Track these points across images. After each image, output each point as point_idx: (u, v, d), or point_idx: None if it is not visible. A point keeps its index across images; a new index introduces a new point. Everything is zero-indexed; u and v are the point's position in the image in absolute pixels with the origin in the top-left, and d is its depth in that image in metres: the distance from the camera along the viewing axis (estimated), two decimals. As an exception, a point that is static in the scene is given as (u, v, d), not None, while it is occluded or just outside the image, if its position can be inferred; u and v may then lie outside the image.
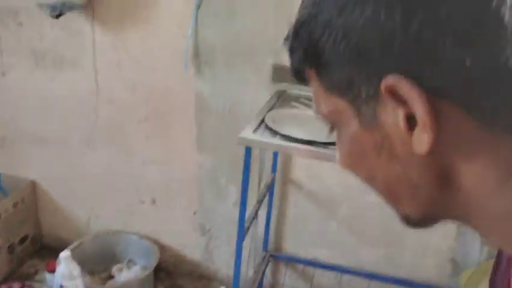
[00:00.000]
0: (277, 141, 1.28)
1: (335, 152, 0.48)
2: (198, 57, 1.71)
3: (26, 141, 2.02)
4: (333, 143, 1.18)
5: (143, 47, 1.75)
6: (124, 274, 1.95)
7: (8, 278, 1.97)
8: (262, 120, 1.37)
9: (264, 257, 1.89)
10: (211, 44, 1.68)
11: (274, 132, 1.30)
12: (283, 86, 1.66)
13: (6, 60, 1.89)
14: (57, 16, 1.63)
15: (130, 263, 2.03)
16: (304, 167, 1.79)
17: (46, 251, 2.13)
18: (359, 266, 1.85)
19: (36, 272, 2.03)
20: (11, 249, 1.99)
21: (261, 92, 1.68)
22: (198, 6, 1.63)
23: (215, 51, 1.69)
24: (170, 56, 1.73)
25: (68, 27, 1.78)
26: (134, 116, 1.87)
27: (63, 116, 1.94)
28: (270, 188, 1.78)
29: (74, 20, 1.75)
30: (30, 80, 1.90)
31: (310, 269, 1.93)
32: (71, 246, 1.86)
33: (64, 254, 1.62)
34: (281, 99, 1.59)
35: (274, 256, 1.93)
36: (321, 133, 1.17)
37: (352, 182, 0.60)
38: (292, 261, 1.94)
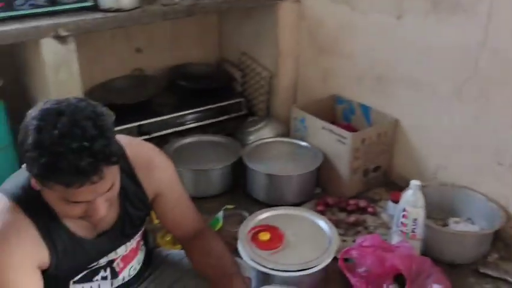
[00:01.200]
0: None
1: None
2: None
3: (399, 81, 2.19)
4: None
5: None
6: (460, 227, 1.95)
7: (357, 196, 2.24)
8: None
9: None
10: None
11: None
12: None
13: (406, 3, 2.06)
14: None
15: (468, 221, 2.01)
16: None
17: (391, 185, 2.31)
18: None
19: (380, 199, 2.24)
20: (365, 173, 2.25)
21: None
22: None
23: None
24: None
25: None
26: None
27: (439, 61, 2.00)
28: None
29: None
30: (422, 24, 2.02)
31: None
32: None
33: (415, 182, 1.73)
34: None
35: None
36: None
37: None
38: None
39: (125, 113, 2.46)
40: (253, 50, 2.79)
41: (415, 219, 1.73)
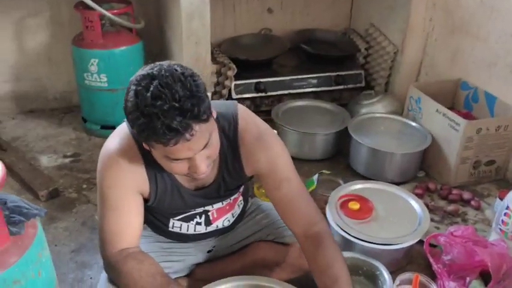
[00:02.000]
0: None
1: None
2: None
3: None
4: None
5: None
6: None
7: (462, 187, 2.14)
8: None
9: None
10: None
11: None
12: None
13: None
14: None
15: None
16: None
17: (504, 183, 2.17)
18: None
19: (487, 195, 2.12)
20: (476, 165, 2.13)
21: None
22: None
23: None
24: None
25: None
26: None
27: None
28: None
29: None
30: None
31: None
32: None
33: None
34: None
35: None
36: None
37: None
38: None
39: (247, 69, 2.60)
40: (382, 23, 2.73)
41: (517, 220, 1.63)
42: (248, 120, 1.29)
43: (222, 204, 1.41)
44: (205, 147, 1.10)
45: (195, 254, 1.51)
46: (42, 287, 1.28)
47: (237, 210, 1.49)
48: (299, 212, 1.31)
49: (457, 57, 2.38)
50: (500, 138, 2.09)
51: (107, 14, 2.26)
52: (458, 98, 2.37)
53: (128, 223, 1.26)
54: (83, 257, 1.78)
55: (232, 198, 1.42)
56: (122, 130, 1.26)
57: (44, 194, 2.06)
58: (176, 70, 1.05)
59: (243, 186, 1.44)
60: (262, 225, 1.54)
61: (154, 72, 1.04)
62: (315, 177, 2.00)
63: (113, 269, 1.27)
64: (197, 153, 1.10)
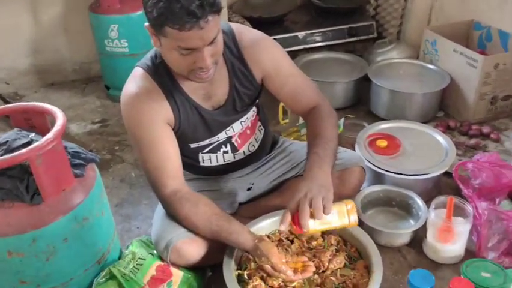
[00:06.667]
0: None
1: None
2: None
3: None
4: None
5: None
6: None
7: (481, 123, 2.21)
8: None
9: None
10: None
11: None
12: None
13: None
14: None
15: None
16: None
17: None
18: None
19: (506, 129, 2.20)
20: (493, 100, 2.20)
21: None
22: None
23: None
24: None
25: None
26: None
27: None
28: None
29: None
30: None
31: None
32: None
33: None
34: None
35: None
36: None
37: None
38: None
39: (260, 27, 2.59)
40: (390, -28, 2.76)
41: (540, 142, 1.71)
42: (242, 29, 1.42)
43: (242, 126, 1.50)
44: (212, 42, 1.18)
45: (235, 192, 1.59)
46: (106, 225, 1.37)
47: (259, 135, 1.58)
48: (304, 99, 1.47)
49: (467, -1, 2.42)
50: (515, 72, 2.16)
51: (124, -22, 2.30)
52: (471, 39, 2.42)
53: (167, 154, 1.33)
54: (127, 210, 1.87)
55: (249, 118, 1.51)
56: (135, 72, 1.35)
57: (80, 157, 2.13)
58: None
59: (257, 102, 1.52)
60: (296, 161, 1.62)
61: None
62: (341, 121, 2.07)
63: (170, 210, 1.35)
64: (205, 47, 1.17)
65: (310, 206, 1.21)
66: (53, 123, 1.22)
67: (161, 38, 1.18)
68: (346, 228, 1.33)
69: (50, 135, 1.15)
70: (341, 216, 1.25)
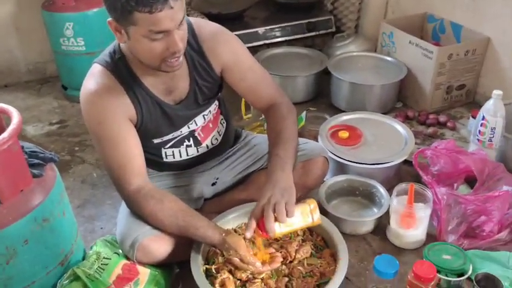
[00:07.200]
0: None
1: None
2: None
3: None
4: None
5: None
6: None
7: (437, 112, 2.28)
8: None
9: None
10: None
11: None
12: None
13: None
14: None
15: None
16: None
17: (474, 105, 2.32)
18: None
19: (461, 117, 2.28)
20: (448, 90, 2.27)
21: None
22: None
23: None
24: None
25: None
26: None
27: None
28: None
29: None
30: None
31: None
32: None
33: (497, 92, 1.75)
34: None
35: None
36: None
37: None
38: None
39: (219, 23, 2.58)
40: (346, -33, 2.81)
41: (493, 128, 1.78)
42: (200, 22, 1.42)
43: (204, 119, 1.49)
44: (181, 23, 1.17)
45: (200, 188, 1.58)
46: (68, 226, 1.33)
47: (222, 128, 1.59)
48: (263, 94, 1.48)
49: (421, -8, 2.49)
50: (469, 62, 2.23)
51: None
52: (426, 31, 2.50)
53: (130, 151, 1.31)
54: (90, 211, 1.82)
55: (212, 111, 1.51)
56: (94, 69, 1.32)
57: (38, 159, 2.07)
58: None
59: (219, 95, 1.52)
60: (260, 154, 1.63)
61: None
62: (303, 114, 2.09)
63: (134, 208, 1.33)
64: (175, 30, 1.16)
65: (274, 211, 1.22)
66: (8, 123, 1.18)
67: (130, 28, 1.15)
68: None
69: (5, 135, 1.11)
70: (304, 216, 1.27)
